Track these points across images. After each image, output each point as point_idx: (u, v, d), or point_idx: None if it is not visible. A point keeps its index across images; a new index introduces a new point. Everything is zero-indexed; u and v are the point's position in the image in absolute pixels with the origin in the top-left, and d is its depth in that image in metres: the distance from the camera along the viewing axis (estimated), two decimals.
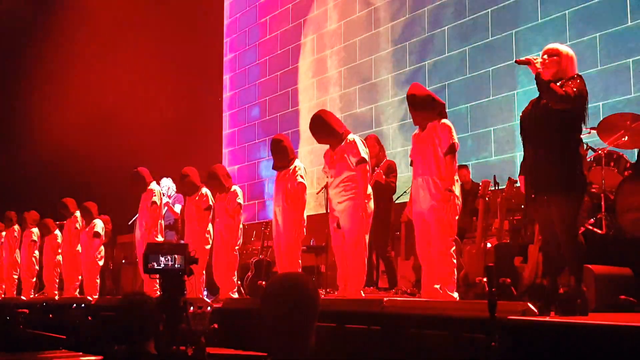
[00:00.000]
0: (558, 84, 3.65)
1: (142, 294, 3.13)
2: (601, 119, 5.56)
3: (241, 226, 6.47)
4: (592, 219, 5.18)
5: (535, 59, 3.73)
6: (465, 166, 6.87)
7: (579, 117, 3.67)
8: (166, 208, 7.44)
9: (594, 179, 5.24)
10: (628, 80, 6.47)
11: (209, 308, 5.10)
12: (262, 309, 1.97)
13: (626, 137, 5.19)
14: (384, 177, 6.16)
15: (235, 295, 6.33)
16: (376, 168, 6.06)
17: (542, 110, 3.70)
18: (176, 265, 4.17)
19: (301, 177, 5.59)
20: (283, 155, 5.66)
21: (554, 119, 3.64)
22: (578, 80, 3.65)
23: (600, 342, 2.88)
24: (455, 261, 4.60)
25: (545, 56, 3.75)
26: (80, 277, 8.26)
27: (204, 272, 6.58)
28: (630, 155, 5.42)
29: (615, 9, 6.63)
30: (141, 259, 6.93)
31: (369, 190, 5.02)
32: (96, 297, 7.73)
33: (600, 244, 4.96)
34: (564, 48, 3.81)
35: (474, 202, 5.85)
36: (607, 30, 6.66)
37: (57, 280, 8.82)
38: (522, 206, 5.85)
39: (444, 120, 4.62)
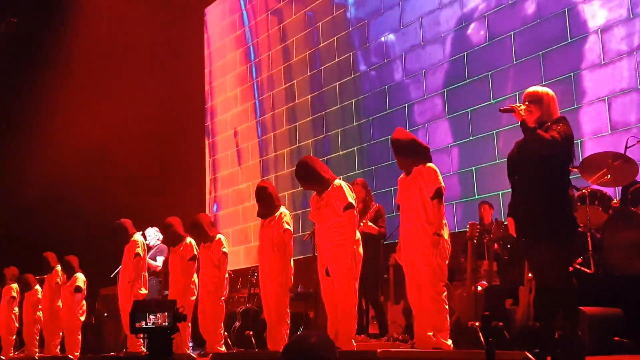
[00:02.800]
0: (543, 127, 3.68)
1: None
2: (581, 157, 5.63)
3: (227, 275, 6.36)
4: (580, 259, 5.18)
5: (518, 106, 3.76)
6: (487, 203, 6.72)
7: (567, 160, 3.69)
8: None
9: (579, 218, 5.24)
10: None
11: None
12: None
13: (609, 176, 5.24)
14: (374, 227, 6.10)
15: (223, 349, 6.17)
16: (363, 220, 6.01)
17: (529, 155, 3.72)
18: (164, 323, 4.06)
19: (287, 223, 5.53)
20: (268, 202, 5.62)
21: (542, 163, 3.65)
22: (562, 123, 3.68)
23: None
24: (447, 306, 4.55)
25: (527, 102, 3.79)
26: (61, 334, 8.01)
27: (189, 324, 6.42)
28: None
29: None
30: (124, 314, 6.82)
31: (357, 235, 4.97)
32: (77, 354, 7.49)
33: (589, 283, 4.95)
34: (544, 90, 3.85)
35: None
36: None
37: (38, 338, 8.55)
38: (509, 246, 5.86)
39: (429, 164, 4.63)
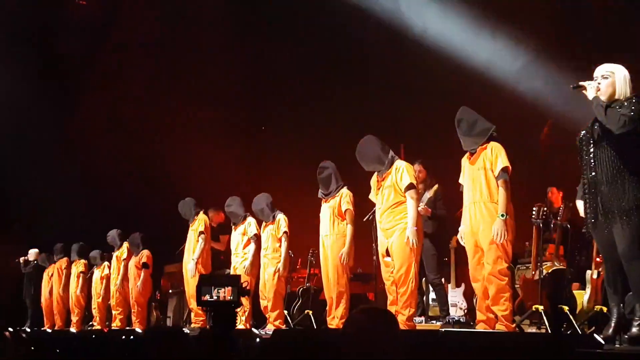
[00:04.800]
0: (616, 106, 3.55)
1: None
2: None
3: (288, 254, 6.45)
4: None
5: (589, 84, 3.64)
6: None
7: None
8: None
9: None
10: None
11: (257, 340, 5.08)
12: (345, 344, 1.96)
13: None
14: (429, 210, 6.06)
15: (283, 327, 6.29)
16: (426, 194, 5.97)
17: (600, 133, 3.60)
18: (229, 298, 4.16)
19: (348, 203, 5.56)
20: (327, 181, 5.66)
21: (613, 141, 3.54)
22: (634, 101, 3.54)
23: None
24: (510, 288, 4.47)
25: (599, 79, 3.67)
26: (128, 309, 8.35)
27: (251, 302, 6.57)
28: None
29: None
30: (189, 290, 7.04)
31: (417, 216, 4.94)
32: (144, 329, 7.78)
33: None
34: (617, 67, 3.71)
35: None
36: None
37: (105, 312, 8.93)
38: (576, 230, 5.69)
39: (494, 143, 4.54)
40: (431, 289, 6.26)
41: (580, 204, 3.83)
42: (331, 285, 5.57)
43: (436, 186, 6.11)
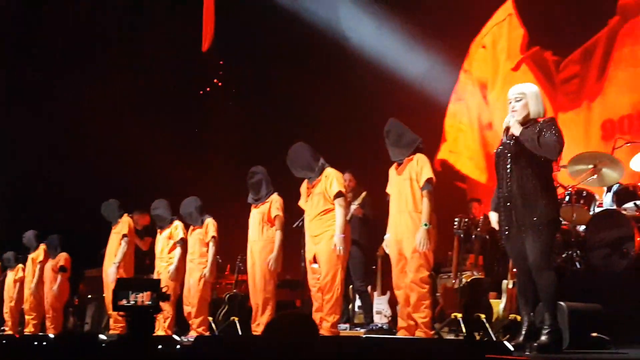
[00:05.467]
0: (535, 127, 3.71)
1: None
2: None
3: (216, 260, 6.36)
4: (563, 255, 5.26)
5: (508, 121, 3.76)
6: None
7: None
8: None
9: (565, 216, 5.33)
10: None
11: (178, 347, 4.97)
12: (265, 349, 1.96)
13: (595, 176, 5.30)
14: (362, 211, 6.17)
15: (207, 333, 6.19)
16: (353, 203, 6.07)
17: (515, 148, 3.76)
18: (147, 303, 4.06)
19: (278, 209, 5.55)
20: (258, 187, 5.63)
21: (529, 159, 3.70)
22: (554, 126, 3.70)
23: None
24: (430, 296, 4.60)
25: (512, 101, 3.79)
26: (43, 313, 7.98)
27: (174, 308, 6.42)
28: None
29: None
30: (108, 295, 6.80)
31: (345, 224, 5.00)
32: (58, 333, 7.46)
33: (571, 279, 5.03)
34: (527, 88, 3.82)
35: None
36: None
37: (18, 316, 8.50)
38: (494, 241, 5.93)
39: (419, 155, 4.67)
40: (357, 296, 6.33)
41: (493, 216, 3.98)
42: (257, 292, 5.53)
43: (364, 193, 6.21)
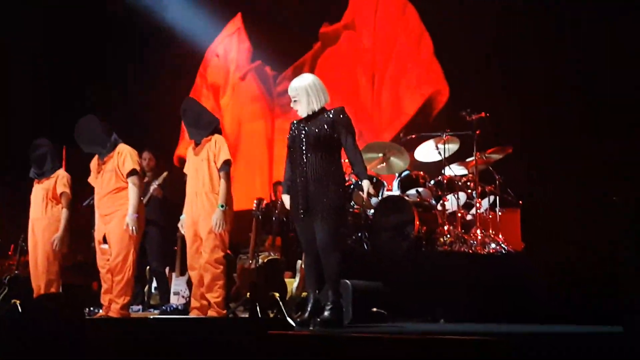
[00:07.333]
0: (323, 115, 3.89)
1: None
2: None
3: None
4: (353, 237, 5.63)
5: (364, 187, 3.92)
6: None
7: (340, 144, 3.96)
8: None
9: (356, 200, 5.71)
10: None
11: None
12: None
13: (384, 164, 5.74)
14: (161, 192, 6.01)
15: None
16: (154, 182, 5.88)
17: (308, 134, 3.92)
18: None
19: (65, 185, 5.19)
20: (42, 160, 5.21)
21: (320, 142, 3.88)
22: (345, 119, 3.91)
23: (355, 353, 3.07)
24: (224, 276, 4.64)
25: (292, 103, 3.94)
26: None
27: None
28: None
29: None
30: None
31: (139, 203, 4.81)
32: None
33: (360, 260, 5.40)
34: (299, 84, 3.91)
35: None
36: None
37: None
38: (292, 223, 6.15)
39: (217, 136, 4.66)
40: (154, 277, 6.17)
41: (286, 198, 4.11)
42: (40, 273, 5.12)
43: (165, 173, 6.05)
